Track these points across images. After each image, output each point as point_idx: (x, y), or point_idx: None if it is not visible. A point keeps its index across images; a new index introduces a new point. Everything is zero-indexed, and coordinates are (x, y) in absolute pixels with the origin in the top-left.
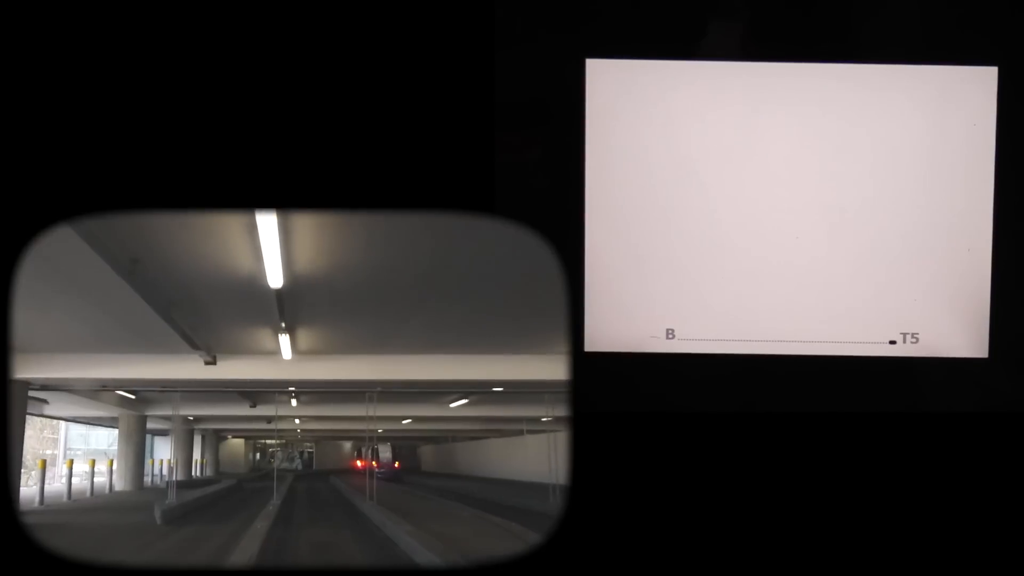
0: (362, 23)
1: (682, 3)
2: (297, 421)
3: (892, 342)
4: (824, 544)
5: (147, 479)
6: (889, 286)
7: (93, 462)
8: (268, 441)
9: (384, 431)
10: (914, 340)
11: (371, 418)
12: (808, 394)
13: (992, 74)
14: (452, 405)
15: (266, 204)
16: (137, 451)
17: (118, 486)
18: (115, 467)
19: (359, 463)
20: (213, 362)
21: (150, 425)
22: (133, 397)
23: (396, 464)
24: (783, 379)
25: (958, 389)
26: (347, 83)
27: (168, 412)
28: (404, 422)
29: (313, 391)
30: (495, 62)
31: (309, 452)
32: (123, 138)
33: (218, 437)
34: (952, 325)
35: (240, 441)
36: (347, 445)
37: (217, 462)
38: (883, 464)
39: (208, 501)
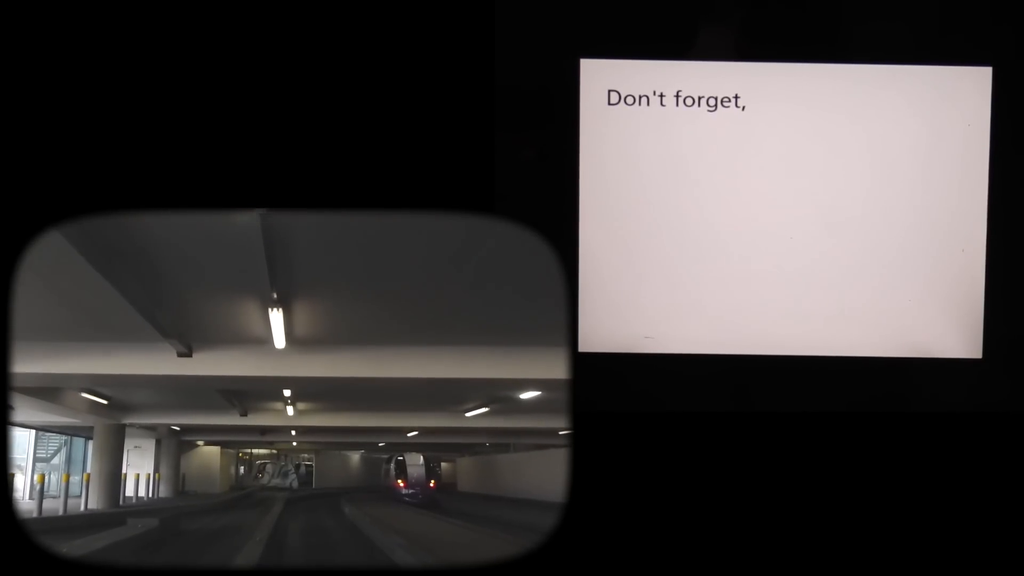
0: (364, 26)
1: (676, 4)
2: (290, 411)
3: (887, 342)
4: (817, 543)
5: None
6: (884, 287)
7: None
8: (255, 451)
9: (415, 436)
10: (908, 340)
11: None
12: (803, 394)
13: (987, 74)
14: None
15: (267, 204)
16: None
17: None
18: None
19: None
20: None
21: (69, 420)
22: None
23: (431, 483)
24: (777, 379)
25: (952, 389)
26: (349, 85)
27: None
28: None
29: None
30: (495, 63)
31: (308, 465)
32: (122, 138)
33: (179, 441)
34: (946, 326)
35: (215, 449)
36: (355, 457)
37: (180, 478)
38: (878, 464)
39: None
